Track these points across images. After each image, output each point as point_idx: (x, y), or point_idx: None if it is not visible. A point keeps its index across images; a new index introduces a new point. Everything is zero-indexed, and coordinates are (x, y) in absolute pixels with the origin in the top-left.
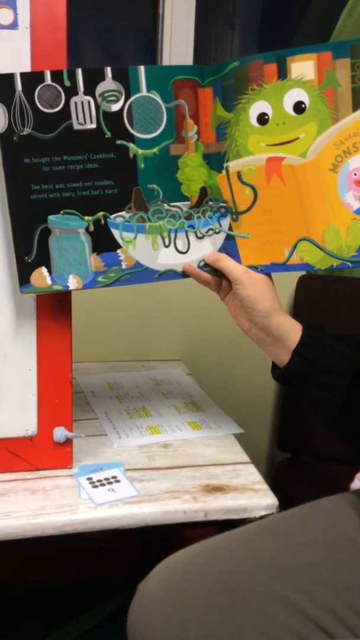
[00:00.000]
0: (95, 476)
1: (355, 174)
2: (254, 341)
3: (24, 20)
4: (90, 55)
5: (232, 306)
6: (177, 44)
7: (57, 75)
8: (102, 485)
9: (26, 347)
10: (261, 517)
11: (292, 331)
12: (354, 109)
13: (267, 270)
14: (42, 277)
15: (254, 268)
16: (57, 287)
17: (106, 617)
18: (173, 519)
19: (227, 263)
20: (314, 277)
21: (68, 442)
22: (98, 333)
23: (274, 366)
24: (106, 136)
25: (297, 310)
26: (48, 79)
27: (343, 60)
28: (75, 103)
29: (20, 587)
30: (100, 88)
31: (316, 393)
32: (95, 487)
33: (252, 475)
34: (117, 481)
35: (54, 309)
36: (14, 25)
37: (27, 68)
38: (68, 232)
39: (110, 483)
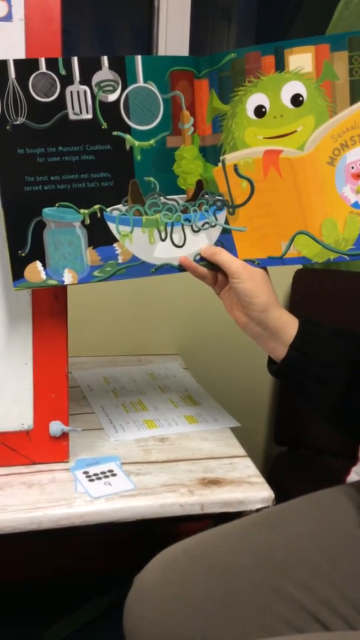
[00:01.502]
0: (92, 470)
1: (352, 167)
2: (250, 336)
3: (18, 12)
4: (85, 49)
5: (228, 301)
6: (173, 37)
7: (52, 63)
8: (99, 478)
9: (22, 341)
10: (257, 510)
11: (289, 325)
12: (352, 102)
13: (264, 264)
14: (36, 272)
15: (251, 262)
16: (52, 282)
17: (103, 610)
18: (169, 512)
19: (224, 257)
20: (310, 271)
21: (64, 436)
22: (94, 327)
23: (270, 361)
24: (102, 127)
25: (294, 304)
26: (43, 67)
27: (341, 52)
28: (71, 92)
29: (18, 580)
30: (97, 77)
31: (313, 387)
32: (92, 480)
33: (248, 469)
34: (114, 475)
35: (50, 303)
36: (8, 18)
37: None
38: (63, 225)
39: (106, 477)
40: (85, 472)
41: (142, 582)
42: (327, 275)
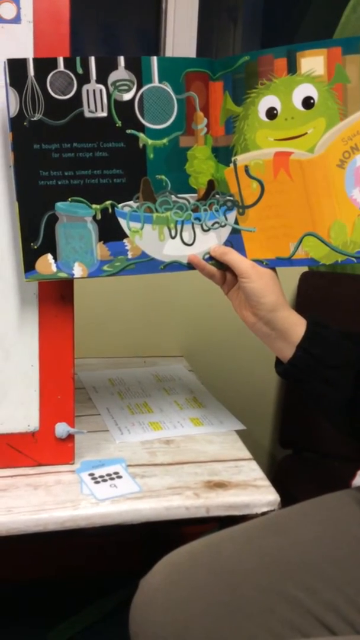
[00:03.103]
0: (97, 472)
1: None
2: (258, 336)
3: (27, 14)
4: (93, 51)
5: (236, 300)
6: (180, 39)
7: (69, 62)
8: (104, 481)
9: (28, 343)
10: (263, 514)
11: (297, 326)
12: None
13: (272, 265)
14: (47, 264)
15: (259, 262)
16: (63, 275)
17: (108, 612)
18: (175, 515)
19: (233, 257)
20: (316, 274)
21: (70, 437)
22: (100, 329)
23: (278, 361)
24: (117, 125)
25: (300, 307)
26: (61, 66)
27: (353, 56)
28: (87, 91)
29: (22, 582)
30: (113, 77)
31: (320, 388)
32: (97, 482)
33: (253, 472)
34: (119, 477)
35: (57, 305)
36: (16, 20)
37: None
38: (75, 219)
39: (112, 479)
40: (91, 474)
41: (148, 585)
42: (333, 278)
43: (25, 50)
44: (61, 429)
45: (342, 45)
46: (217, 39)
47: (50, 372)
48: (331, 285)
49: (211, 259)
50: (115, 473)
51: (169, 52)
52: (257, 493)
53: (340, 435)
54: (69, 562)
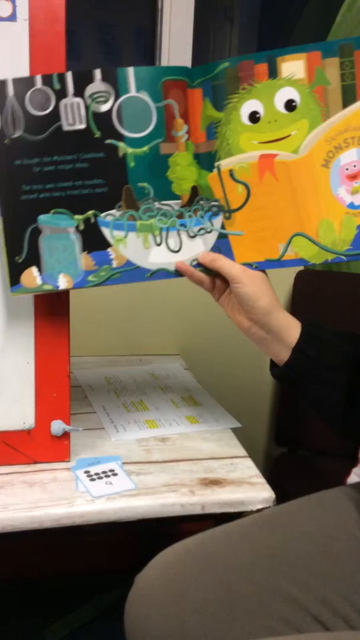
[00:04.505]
0: (93, 469)
1: (347, 169)
2: (253, 340)
3: (23, 12)
4: (89, 49)
5: (228, 306)
6: (176, 37)
7: (47, 79)
8: (100, 478)
9: (24, 341)
10: (258, 511)
11: (292, 328)
12: (344, 105)
13: (262, 267)
14: (32, 277)
15: (249, 265)
16: (48, 287)
17: (103, 609)
18: (170, 512)
19: (223, 262)
20: (311, 273)
21: (66, 435)
22: (96, 327)
23: (273, 364)
24: (95, 136)
25: (295, 306)
26: (39, 83)
27: (332, 59)
28: (65, 105)
29: (18, 580)
30: (90, 89)
31: (316, 390)
32: (93, 480)
33: (249, 469)
34: (115, 474)
35: (52, 303)
36: (12, 18)
37: (26, 60)
38: (58, 231)
39: (107, 476)
40: (87, 472)
41: (143, 581)
42: (329, 276)
43: (21, 48)
44: (57, 426)
45: (322, 50)
46: (214, 37)
47: (46, 370)
48: (327, 284)
49: (199, 265)
50: (111, 470)
51: (165, 51)
52: (253, 490)
53: (335, 434)
54: (65, 560)
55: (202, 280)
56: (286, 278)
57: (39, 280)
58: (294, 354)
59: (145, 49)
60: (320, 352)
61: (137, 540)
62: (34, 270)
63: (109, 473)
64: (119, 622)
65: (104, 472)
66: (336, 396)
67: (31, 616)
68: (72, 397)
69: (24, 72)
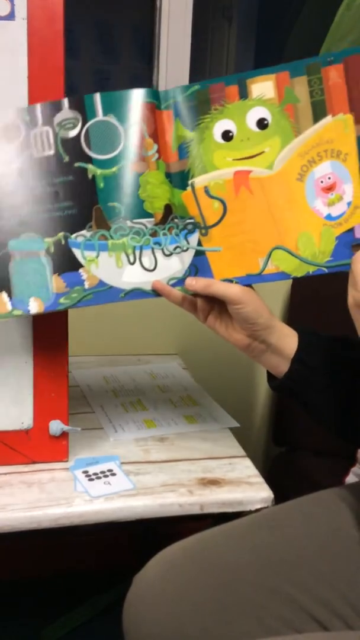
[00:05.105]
0: (91, 469)
1: (322, 182)
2: (252, 355)
3: (21, 11)
4: (88, 48)
5: (221, 327)
6: (175, 37)
7: (18, 113)
8: (98, 478)
9: (22, 340)
10: (256, 511)
11: (289, 338)
12: (315, 121)
13: (243, 282)
14: (2, 303)
15: (229, 281)
16: (18, 312)
17: (102, 609)
18: (169, 512)
19: (218, 287)
20: None
21: (64, 435)
22: (94, 327)
23: (270, 376)
24: (64, 160)
25: (294, 306)
26: (11, 118)
27: (300, 77)
28: (35, 134)
29: (17, 580)
30: (58, 118)
31: (316, 398)
32: (91, 480)
33: (247, 469)
34: (113, 474)
35: None
36: (10, 17)
37: (24, 59)
38: (28, 255)
39: (106, 476)
40: (85, 472)
41: (141, 581)
42: (326, 277)
43: (19, 47)
44: (55, 426)
45: (290, 70)
46: (212, 36)
47: (44, 370)
48: (325, 285)
49: (178, 284)
50: (109, 470)
51: (164, 50)
52: (251, 490)
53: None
54: (63, 560)
55: (181, 300)
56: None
57: (8, 306)
58: (293, 364)
59: (144, 48)
60: (319, 360)
61: (136, 540)
62: (3, 296)
63: (108, 473)
64: (118, 622)
65: (102, 472)
66: (336, 403)
67: (29, 616)
68: (71, 396)
69: (23, 71)
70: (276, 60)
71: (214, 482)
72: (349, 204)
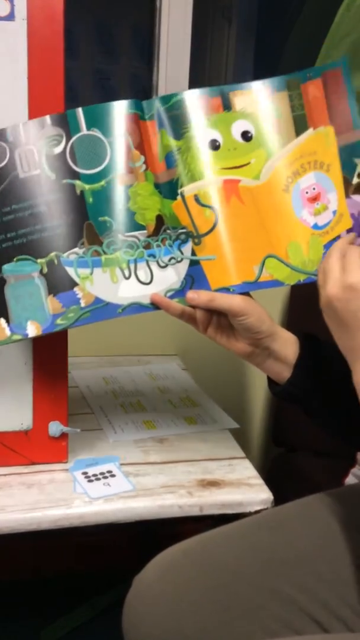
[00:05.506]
0: (91, 470)
1: (307, 192)
2: (255, 363)
3: (21, 11)
4: (88, 48)
5: (222, 337)
6: (174, 37)
7: (1, 134)
8: (98, 479)
9: (22, 342)
10: (256, 512)
11: (290, 343)
12: (297, 134)
13: (239, 290)
14: (0, 329)
15: (226, 289)
16: (17, 337)
17: (101, 610)
18: (168, 514)
19: (222, 300)
20: None
21: (63, 436)
22: (94, 328)
23: (271, 382)
24: (51, 178)
25: (293, 307)
26: None
27: (282, 93)
28: (19, 154)
29: (17, 580)
30: (42, 135)
31: (319, 403)
32: (91, 481)
33: (247, 470)
34: (113, 475)
35: None
36: (10, 17)
37: (24, 59)
38: (22, 278)
39: (105, 477)
40: (84, 473)
41: (141, 582)
42: None
43: (19, 47)
44: (55, 427)
45: (272, 85)
46: (212, 37)
47: (44, 370)
48: None
49: (176, 295)
50: (109, 472)
51: (163, 50)
52: (251, 491)
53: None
54: (63, 561)
55: (180, 312)
56: None
57: (7, 332)
58: (296, 370)
59: (144, 48)
60: (321, 366)
61: (135, 541)
62: (2, 322)
63: (107, 474)
64: (117, 623)
65: (101, 473)
66: (339, 408)
67: (29, 616)
68: (70, 397)
69: (22, 71)
70: (276, 61)
71: (213, 484)
72: (334, 212)
